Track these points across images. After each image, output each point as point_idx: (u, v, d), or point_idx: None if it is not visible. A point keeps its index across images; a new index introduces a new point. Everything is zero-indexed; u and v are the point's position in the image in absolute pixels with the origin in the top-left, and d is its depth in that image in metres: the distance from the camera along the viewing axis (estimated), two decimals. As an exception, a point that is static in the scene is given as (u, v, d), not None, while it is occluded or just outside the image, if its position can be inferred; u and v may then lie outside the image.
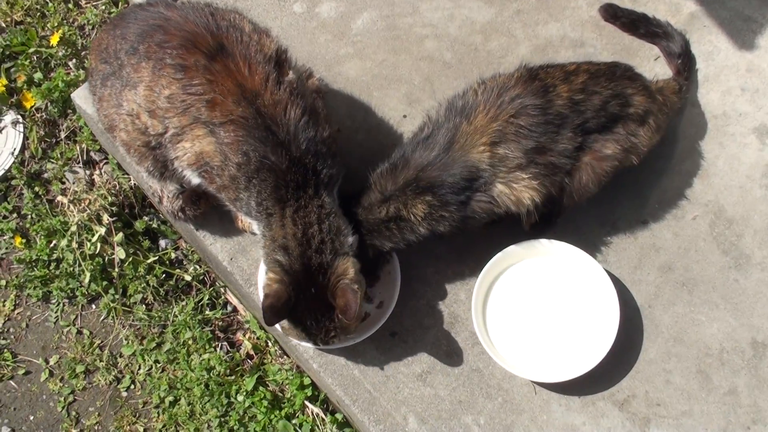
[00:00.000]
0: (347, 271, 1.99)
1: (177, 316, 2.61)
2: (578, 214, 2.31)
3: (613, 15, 2.51)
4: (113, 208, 2.66)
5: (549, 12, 2.60)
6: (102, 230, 2.57)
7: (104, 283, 2.65)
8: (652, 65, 2.45)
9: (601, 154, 2.08)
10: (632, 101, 2.10)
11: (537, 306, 2.22)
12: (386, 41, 2.60)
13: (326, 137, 2.04)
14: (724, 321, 2.21)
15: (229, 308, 2.69)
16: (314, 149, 1.99)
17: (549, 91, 2.03)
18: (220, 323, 2.64)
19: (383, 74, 2.56)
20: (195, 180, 2.11)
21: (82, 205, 2.62)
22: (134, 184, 2.71)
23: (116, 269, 2.64)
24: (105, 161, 2.79)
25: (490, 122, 2.01)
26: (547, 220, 2.30)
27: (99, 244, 2.60)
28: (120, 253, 2.61)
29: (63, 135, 2.81)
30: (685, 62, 2.41)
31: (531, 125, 2.00)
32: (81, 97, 2.58)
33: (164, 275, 2.68)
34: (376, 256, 2.14)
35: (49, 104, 2.79)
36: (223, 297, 2.68)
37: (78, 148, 2.79)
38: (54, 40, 2.81)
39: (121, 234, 2.61)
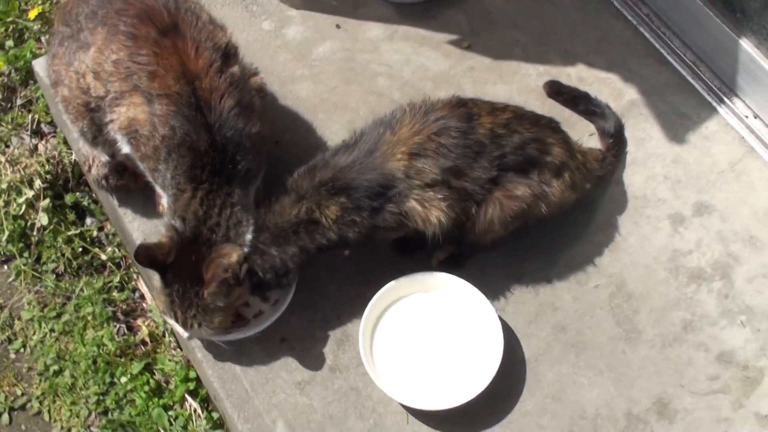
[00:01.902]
0: (230, 255, 2.02)
1: (83, 291, 2.62)
2: (488, 263, 2.37)
3: (557, 91, 2.64)
4: (48, 176, 2.70)
5: (500, 74, 2.72)
6: (30, 193, 2.62)
7: (20, 245, 2.67)
8: (587, 140, 2.56)
9: (512, 194, 2.14)
10: (551, 150, 2.19)
11: (424, 336, 2.25)
12: (342, 71, 2.71)
13: (254, 133, 2.12)
14: (604, 388, 2.23)
15: (137, 295, 2.70)
16: (238, 140, 2.07)
17: (473, 119, 2.12)
18: (124, 307, 2.65)
19: (332, 100, 2.66)
20: (124, 147, 2.18)
21: (18, 166, 2.67)
22: (75, 159, 2.77)
23: (35, 234, 2.67)
24: (53, 135, 2.86)
25: (413, 135, 2.08)
26: (456, 261, 2.36)
27: (24, 207, 2.64)
28: (43, 219, 2.64)
29: (18, 102, 2.89)
30: (615, 142, 2.52)
31: (450, 145, 2.07)
32: (41, 65, 2.67)
33: (81, 250, 2.70)
34: (281, 265, 2.14)
35: (12, 71, 2.89)
36: (133, 283, 2.69)
37: (30, 117, 2.86)
38: (32, 14, 2.93)
39: (48, 201, 2.65)
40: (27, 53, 2.87)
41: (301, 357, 2.28)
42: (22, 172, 2.65)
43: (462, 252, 2.37)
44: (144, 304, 2.68)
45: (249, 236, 2.08)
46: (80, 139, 2.34)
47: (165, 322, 2.57)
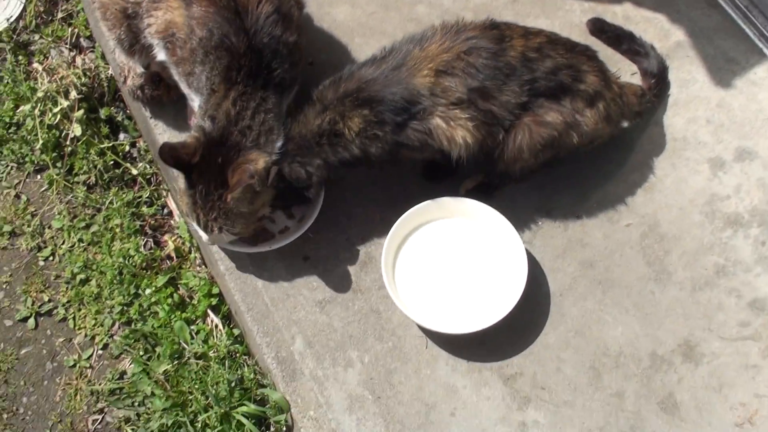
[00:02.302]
0: (257, 161, 2.01)
1: (113, 203, 2.64)
2: (517, 194, 2.33)
3: (600, 29, 2.56)
4: (84, 88, 2.71)
5: (543, 8, 2.65)
6: (65, 104, 2.63)
7: (54, 155, 2.69)
8: (628, 78, 2.48)
9: (542, 119, 2.09)
10: (585, 78, 2.13)
11: (447, 261, 2.22)
12: (381, -4, 2.68)
13: (290, 42, 2.10)
14: (629, 327, 2.18)
15: (165, 211, 2.71)
16: (274, 47, 2.05)
17: (504, 41, 2.07)
18: (152, 222, 2.66)
19: (369, 24, 2.62)
20: (160, 54, 2.18)
21: (55, 77, 2.68)
22: (111, 74, 2.77)
23: (69, 145, 2.68)
24: (91, 50, 2.87)
25: (442, 53, 2.04)
26: (485, 191, 2.32)
27: (59, 117, 2.65)
28: (76, 130, 2.65)
29: (59, 15, 2.90)
30: (658, 83, 2.45)
31: (480, 66, 2.03)
32: (83, -25, 2.68)
33: (113, 164, 2.71)
34: (306, 176, 2.12)
35: (56, -17, 2.91)
36: (163, 199, 2.70)
37: (70, 30, 2.87)
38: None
39: (82, 112, 2.66)
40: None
41: (323, 276, 2.27)
42: (59, 83, 2.66)
43: (491, 182, 2.32)
44: (172, 221, 2.69)
45: (278, 144, 2.07)
46: (117, 48, 2.33)
47: (191, 238, 2.57)
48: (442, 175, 2.35)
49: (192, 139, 2.03)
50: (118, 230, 2.60)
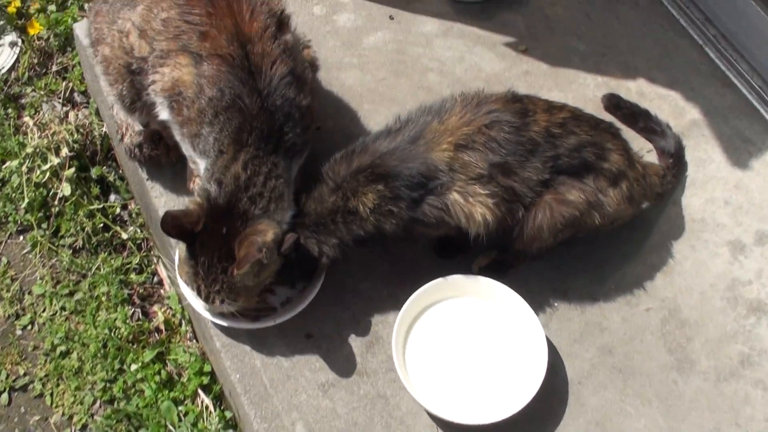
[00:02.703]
0: (266, 233, 1.89)
1: (100, 269, 2.48)
2: (532, 273, 2.21)
3: (616, 105, 2.49)
4: (75, 146, 2.58)
5: (556, 81, 2.59)
6: (56, 161, 2.49)
7: (39, 215, 2.54)
8: (644, 156, 2.41)
9: (564, 198, 1.99)
10: (609, 157, 2.04)
11: (461, 344, 2.08)
12: (391, 63, 2.59)
13: (303, 105, 2.00)
14: (652, 419, 2.05)
15: (155, 279, 2.55)
16: (287, 110, 1.95)
17: (528, 115, 1.98)
18: (141, 290, 2.51)
19: (379, 91, 2.53)
20: (163, 113, 2.06)
21: (46, 132, 2.55)
22: (105, 132, 2.65)
23: (56, 205, 2.53)
24: (85, 105, 2.75)
25: (462, 126, 1.95)
26: (498, 269, 2.20)
27: (48, 174, 2.51)
28: (66, 189, 2.51)
29: (54, 69, 2.78)
30: (675, 163, 2.37)
31: (502, 140, 1.93)
32: (82, 28, 2.56)
33: (102, 227, 2.57)
34: (318, 255, 2.00)
35: (51, 36, 2.78)
36: (153, 266, 2.55)
37: (64, 84, 2.75)
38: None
39: (73, 171, 2.52)
40: (68, 19, 2.76)
41: (326, 356, 2.12)
42: (50, 139, 2.53)
43: (505, 260, 2.21)
44: (162, 290, 2.53)
45: (288, 213, 1.95)
46: (116, 104, 2.22)
47: (183, 310, 2.42)
48: (455, 252, 2.24)
49: (195, 206, 1.90)
50: (104, 299, 2.44)
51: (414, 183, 1.93)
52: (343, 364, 2.11)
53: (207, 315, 2.08)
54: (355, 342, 2.14)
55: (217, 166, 1.92)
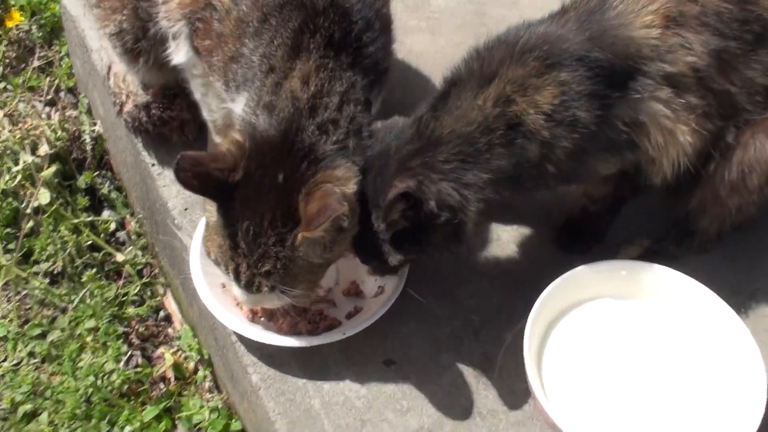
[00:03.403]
0: (347, 180, 1.25)
1: (86, 300, 1.79)
2: (697, 271, 1.52)
3: None
4: (59, 144, 1.96)
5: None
6: (30, 160, 1.86)
7: (6, 231, 1.88)
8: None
9: None
10: None
11: (629, 365, 1.38)
12: (470, 25, 2.01)
13: (384, 14, 1.43)
14: None
15: (161, 315, 1.86)
16: (366, 14, 1.35)
17: None
18: (142, 329, 1.81)
19: (457, 55, 1.91)
20: (179, 51, 1.47)
21: (21, 126, 1.94)
22: (98, 131, 2.03)
23: (29, 218, 1.88)
24: (74, 105, 2.14)
25: None
26: (656, 263, 1.52)
27: (19, 179, 1.87)
28: (43, 197, 1.85)
29: (36, 63, 2.19)
30: None
31: (723, 14, 1.28)
32: (73, 1, 2.01)
33: (90, 247, 1.90)
34: (459, 207, 1.24)
35: (34, 28, 2.22)
36: (159, 299, 1.86)
37: (48, 81, 2.16)
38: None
39: (53, 171, 1.88)
40: (57, 8, 2.21)
41: (417, 391, 1.40)
42: (24, 133, 1.91)
43: (665, 250, 1.53)
44: (170, 329, 1.84)
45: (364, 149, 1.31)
46: (114, 54, 1.64)
47: (200, 348, 1.70)
48: (586, 241, 1.56)
49: (231, 146, 1.26)
50: (89, 338, 1.74)
51: (615, 71, 1.25)
52: (444, 402, 1.39)
53: (236, 325, 1.41)
54: (459, 370, 1.44)
55: (267, 87, 1.30)
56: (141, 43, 1.55)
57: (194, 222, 1.59)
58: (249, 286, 1.27)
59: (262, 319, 1.47)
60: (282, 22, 1.29)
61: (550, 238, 1.62)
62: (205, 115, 1.58)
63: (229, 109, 1.45)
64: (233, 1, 1.34)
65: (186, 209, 1.63)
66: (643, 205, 1.63)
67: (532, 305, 1.39)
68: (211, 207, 1.28)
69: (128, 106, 1.68)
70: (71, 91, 2.18)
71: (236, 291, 1.33)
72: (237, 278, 1.28)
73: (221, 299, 1.46)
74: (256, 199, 1.23)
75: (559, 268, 1.46)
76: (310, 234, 1.19)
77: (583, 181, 1.41)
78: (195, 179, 1.22)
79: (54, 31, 2.24)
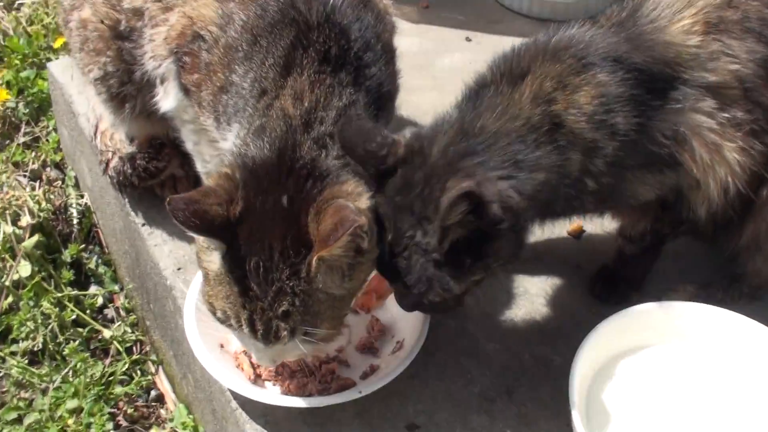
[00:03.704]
0: (359, 195, 1.12)
1: (68, 378, 1.61)
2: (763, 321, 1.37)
3: None
4: (42, 215, 1.82)
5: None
6: (11, 230, 1.71)
7: (-19, 308, 1.72)
8: None
9: None
10: None
11: (683, 414, 1.21)
12: (477, 83, 1.94)
13: (385, 38, 1.32)
14: None
15: (153, 395, 1.67)
16: (363, 34, 1.25)
17: None
18: (131, 411, 1.62)
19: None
20: (168, 96, 1.37)
21: (2, 196, 1.80)
22: (87, 205, 1.90)
23: (8, 292, 1.71)
24: (61, 180, 2.02)
25: None
26: (737, 289, 1.39)
27: (-1, 249, 1.73)
28: (23, 269, 1.70)
29: (22, 139, 2.08)
30: None
31: (765, 18, 1.18)
32: (59, 67, 1.92)
33: (74, 322, 1.73)
34: (518, 209, 1.10)
35: (21, 105, 2.13)
36: (149, 377, 1.68)
37: (33, 155, 2.04)
38: (57, 43, 2.24)
39: (35, 240, 1.74)
40: (45, 84, 2.14)
41: (448, 460, 1.23)
42: (5, 203, 1.77)
43: (710, 295, 1.38)
44: (162, 410, 1.65)
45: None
46: (100, 101, 1.53)
47: (195, 428, 1.51)
48: (623, 289, 1.42)
49: (218, 180, 1.13)
50: (71, 420, 1.55)
51: (653, 77, 1.14)
52: (478, 471, 1.22)
53: (238, 386, 1.24)
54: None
55: (258, 111, 1.18)
56: (126, 87, 1.45)
57: (188, 282, 1.43)
58: (267, 335, 1.11)
59: (266, 382, 1.31)
60: (273, 41, 1.20)
61: (581, 289, 1.48)
62: (199, 167, 1.46)
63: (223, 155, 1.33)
64: (221, 28, 1.24)
65: (179, 269, 1.49)
66: (685, 252, 1.51)
67: (570, 359, 1.23)
68: (208, 256, 1.14)
69: (114, 162, 1.56)
70: (58, 166, 2.06)
71: (252, 349, 1.18)
72: (252, 328, 1.12)
73: (220, 361, 1.30)
74: (261, 230, 1.09)
75: (594, 320, 1.30)
76: (327, 252, 1.05)
77: (621, 204, 1.28)
78: (194, 218, 1.07)
79: (41, 107, 2.15)
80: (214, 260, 1.14)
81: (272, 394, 1.25)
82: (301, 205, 1.09)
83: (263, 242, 1.09)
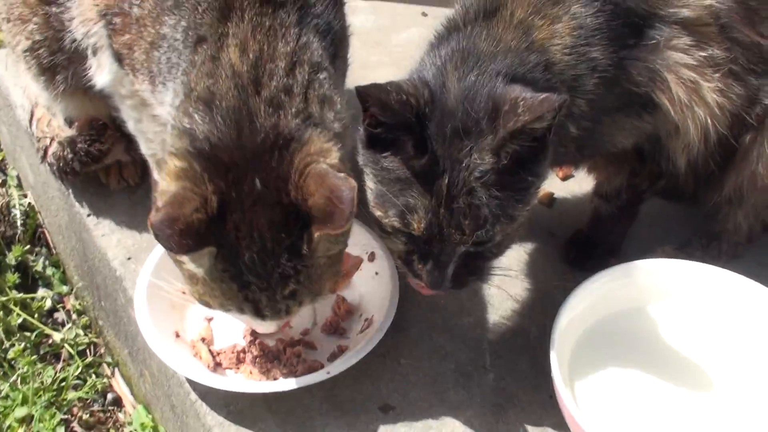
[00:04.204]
0: (327, 152, 1.02)
1: (16, 387, 1.50)
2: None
3: None
4: (-19, 217, 1.72)
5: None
6: (-53, 232, 1.61)
7: None
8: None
9: None
10: None
11: (668, 374, 1.15)
12: (436, 56, 1.88)
13: None
14: None
15: (109, 399, 1.57)
16: None
17: None
18: (85, 416, 1.51)
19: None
20: (101, 68, 1.28)
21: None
22: (30, 205, 1.80)
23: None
24: (2, 182, 1.91)
25: None
26: (716, 248, 1.35)
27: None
28: (-39, 272, 1.60)
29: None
30: None
31: None
32: (-3, 57, 1.82)
33: (21, 327, 1.62)
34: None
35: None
36: (104, 380, 1.58)
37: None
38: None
39: (-26, 241, 1.64)
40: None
41: (424, 439, 1.15)
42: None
43: (689, 254, 1.32)
44: (120, 414, 1.54)
45: (346, 118, 1.09)
46: (31, 77, 1.43)
47: (155, 428, 1.41)
48: (600, 254, 1.35)
49: (183, 180, 1.01)
50: (21, 430, 1.44)
51: (628, 12, 1.08)
52: (456, 450, 1.14)
53: (197, 375, 1.16)
54: (472, 409, 1.18)
55: (196, 72, 1.07)
56: (57, 56, 1.35)
57: (138, 272, 1.33)
58: (276, 315, 1.05)
59: (227, 371, 1.22)
60: None
61: (555, 257, 1.42)
62: (143, 148, 1.35)
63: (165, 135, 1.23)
64: None
65: (128, 258, 1.39)
66: (661, 217, 1.46)
67: (547, 330, 1.16)
68: (188, 260, 1.02)
69: (52, 147, 1.46)
70: (-1, 166, 1.96)
71: (255, 324, 1.13)
72: (259, 314, 1.05)
73: (177, 351, 1.21)
74: (244, 222, 0.99)
75: (570, 289, 1.23)
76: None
77: (600, 152, 1.21)
78: (183, 239, 0.96)
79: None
80: (202, 262, 1.03)
81: (234, 381, 1.17)
82: (277, 183, 0.99)
83: (251, 235, 1.00)
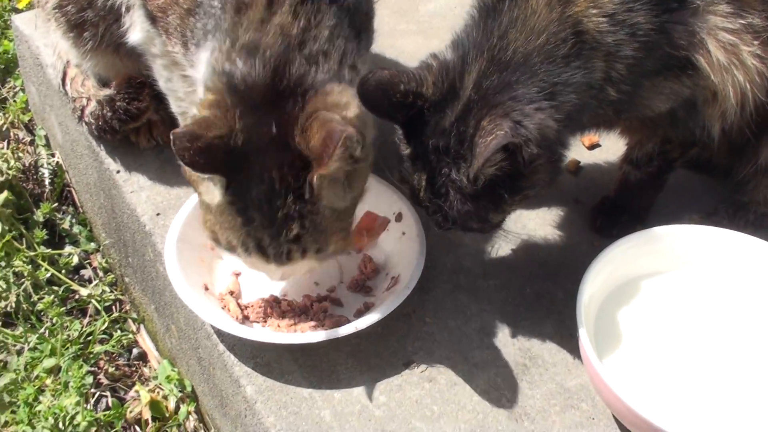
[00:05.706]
0: (346, 105, 1.06)
1: (44, 338, 1.53)
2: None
3: None
4: (11, 173, 1.73)
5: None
6: (-25, 185, 1.63)
7: (-51, 269, 1.62)
8: None
9: None
10: None
11: (694, 339, 1.15)
12: (463, 26, 1.88)
13: None
14: None
15: (135, 354, 1.59)
16: None
17: None
18: (111, 369, 1.54)
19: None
20: (136, 30, 1.31)
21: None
22: (58, 164, 1.82)
23: (-23, 254, 1.63)
24: (30, 142, 1.93)
25: None
26: (743, 217, 1.35)
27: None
28: (-8, 226, 1.63)
29: (-13, 103, 2.00)
30: None
31: None
32: (24, 19, 1.83)
33: (49, 282, 1.65)
34: (556, 135, 1.06)
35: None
36: (130, 335, 1.60)
37: (1, 115, 1.95)
38: (22, 3, 2.14)
39: (3, 197, 1.65)
40: (10, 45, 2.04)
41: (445, 396, 1.16)
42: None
43: (715, 223, 1.31)
44: (145, 369, 1.57)
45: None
46: (60, 34, 1.45)
47: (180, 381, 1.44)
48: (627, 221, 1.36)
49: (211, 109, 1.05)
50: (49, 380, 1.47)
51: None
52: (482, 405, 1.15)
53: (227, 325, 1.18)
54: (496, 368, 1.20)
55: (244, 26, 1.09)
56: (86, 12, 1.36)
57: (167, 228, 1.35)
58: (279, 258, 1.09)
59: (255, 324, 1.24)
60: None
61: (581, 224, 1.43)
62: (173, 107, 1.37)
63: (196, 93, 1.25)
64: None
65: (158, 214, 1.41)
66: (688, 186, 1.47)
67: (573, 294, 1.17)
68: (206, 188, 1.07)
69: (90, 107, 1.48)
70: (27, 127, 1.97)
71: (261, 269, 1.14)
72: (263, 254, 1.08)
73: (205, 303, 1.23)
74: (258, 161, 1.03)
75: (596, 254, 1.24)
76: (326, 170, 1.00)
77: (637, 115, 1.21)
78: (199, 156, 1.00)
79: (8, 69, 2.06)
80: (215, 193, 1.07)
81: (262, 332, 1.19)
82: (287, 129, 1.03)
83: (262, 175, 1.04)
